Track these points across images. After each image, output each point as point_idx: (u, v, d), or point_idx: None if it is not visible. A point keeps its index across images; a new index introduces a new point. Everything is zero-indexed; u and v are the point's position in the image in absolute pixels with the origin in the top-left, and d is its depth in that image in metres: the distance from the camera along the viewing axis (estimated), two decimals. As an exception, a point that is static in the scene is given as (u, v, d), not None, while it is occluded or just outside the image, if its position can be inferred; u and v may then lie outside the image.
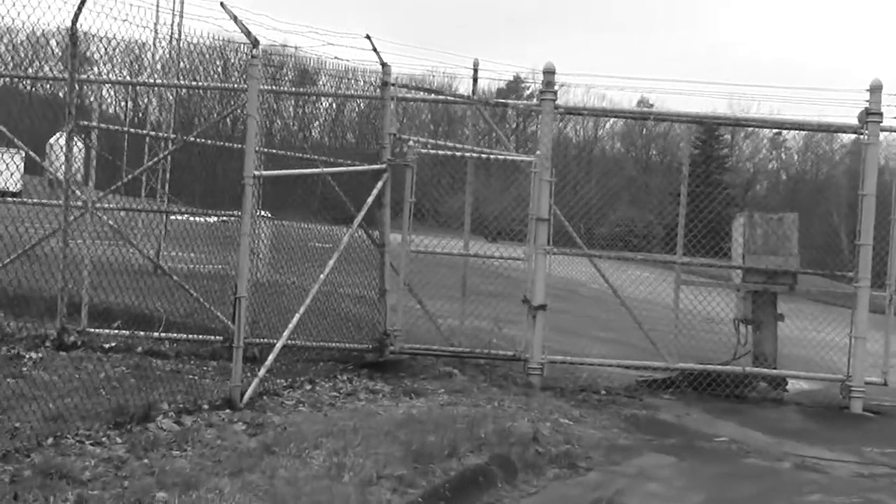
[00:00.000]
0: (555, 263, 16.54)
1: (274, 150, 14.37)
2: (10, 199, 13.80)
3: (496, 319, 17.06)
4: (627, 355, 17.36)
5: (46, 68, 14.77)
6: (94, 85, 15.15)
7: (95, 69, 15.42)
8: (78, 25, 11.92)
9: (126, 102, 22.20)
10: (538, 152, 15.30)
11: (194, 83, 14.75)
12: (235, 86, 14.00)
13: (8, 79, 15.36)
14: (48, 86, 16.95)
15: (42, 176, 15.57)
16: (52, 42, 14.26)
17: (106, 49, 13.15)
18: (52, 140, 16.36)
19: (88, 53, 14.43)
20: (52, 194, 14.72)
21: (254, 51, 10.90)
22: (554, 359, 15.42)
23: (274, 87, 15.11)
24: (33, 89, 17.59)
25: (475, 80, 16.82)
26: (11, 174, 13.35)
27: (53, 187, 15.20)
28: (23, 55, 14.74)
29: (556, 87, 15.30)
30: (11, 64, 14.39)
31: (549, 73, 15.19)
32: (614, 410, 13.87)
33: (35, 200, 14.25)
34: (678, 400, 15.09)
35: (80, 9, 11.39)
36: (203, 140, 14.50)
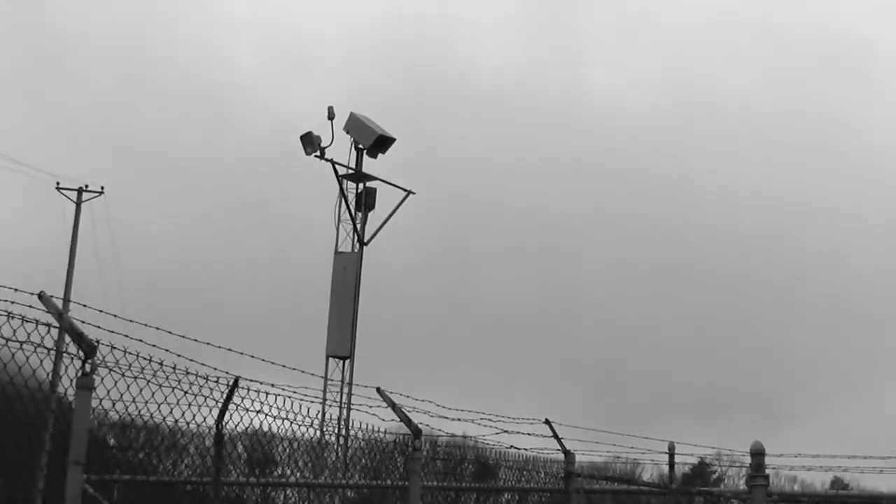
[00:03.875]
0: None
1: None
2: None
3: None
4: None
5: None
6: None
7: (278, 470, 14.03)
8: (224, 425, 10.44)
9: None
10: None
11: (348, 482, 13.00)
12: (397, 483, 12.15)
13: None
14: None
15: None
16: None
17: (287, 448, 11.86)
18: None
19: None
20: None
21: (415, 442, 9.14)
22: None
23: (444, 483, 13.19)
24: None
25: (671, 465, 14.55)
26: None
27: None
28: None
29: (766, 472, 12.87)
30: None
31: (759, 454, 12.81)
32: None
33: None
34: None
35: (224, 409, 9.96)
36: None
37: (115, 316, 7.61)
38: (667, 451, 14.46)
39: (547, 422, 12.77)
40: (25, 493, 13.48)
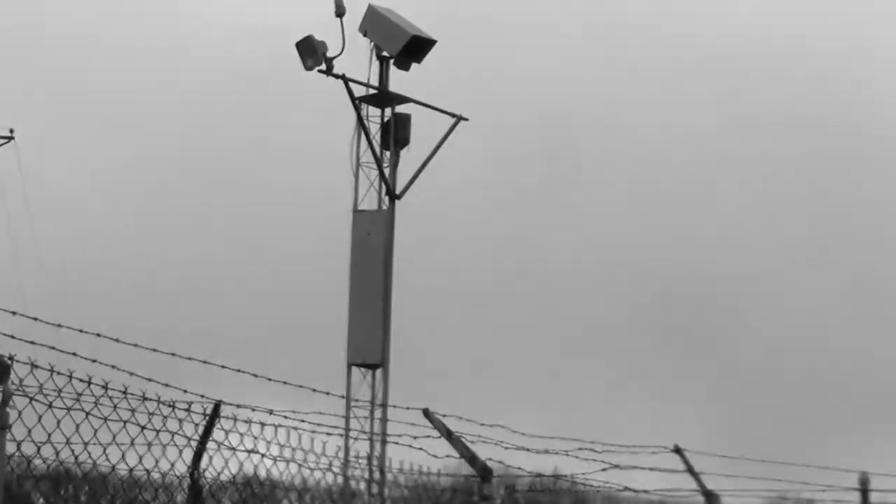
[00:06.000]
0: None
1: None
2: None
3: None
4: None
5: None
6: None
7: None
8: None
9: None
10: None
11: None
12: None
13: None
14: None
15: None
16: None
17: None
18: None
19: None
20: None
21: (483, 487, 9.28)
22: None
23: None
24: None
25: (864, 508, 14.59)
26: None
27: None
28: None
29: None
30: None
31: None
32: None
33: None
34: None
35: (201, 448, 10.06)
36: None
37: (36, 319, 7.64)
38: (858, 485, 14.49)
39: (677, 450, 12.86)
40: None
